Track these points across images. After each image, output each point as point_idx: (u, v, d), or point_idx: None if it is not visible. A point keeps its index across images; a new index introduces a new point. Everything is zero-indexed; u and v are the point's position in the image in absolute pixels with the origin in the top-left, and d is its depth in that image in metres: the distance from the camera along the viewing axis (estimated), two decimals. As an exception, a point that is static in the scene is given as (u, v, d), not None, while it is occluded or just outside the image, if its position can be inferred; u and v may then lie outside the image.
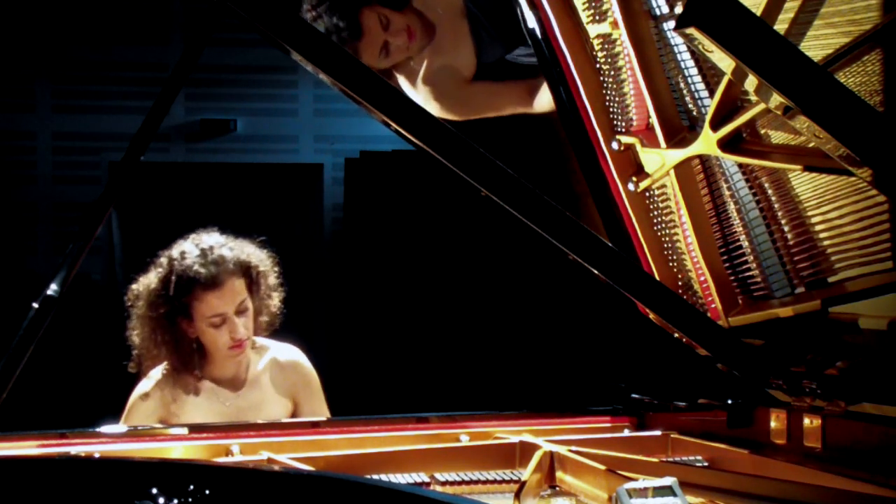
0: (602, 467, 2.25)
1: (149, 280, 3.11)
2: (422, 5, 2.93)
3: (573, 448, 2.43)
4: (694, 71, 2.37)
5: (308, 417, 3.16)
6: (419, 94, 2.96)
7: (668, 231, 2.59)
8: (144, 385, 3.14)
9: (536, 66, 2.67)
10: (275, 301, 3.19)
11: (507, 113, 2.96)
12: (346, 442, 2.62)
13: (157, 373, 3.15)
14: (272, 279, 3.18)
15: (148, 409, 3.09)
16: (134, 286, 3.13)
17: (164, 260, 3.10)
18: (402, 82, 2.98)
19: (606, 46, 2.53)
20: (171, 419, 3.09)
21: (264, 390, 3.19)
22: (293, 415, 3.19)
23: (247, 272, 3.10)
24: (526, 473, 2.31)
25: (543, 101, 2.86)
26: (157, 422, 3.06)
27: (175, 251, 3.10)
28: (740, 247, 2.46)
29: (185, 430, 2.62)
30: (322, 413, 3.22)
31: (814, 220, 2.27)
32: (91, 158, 7.43)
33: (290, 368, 3.23)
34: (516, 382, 5.84)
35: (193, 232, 3.19)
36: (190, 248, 3.09)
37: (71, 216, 7.29)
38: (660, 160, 2.48)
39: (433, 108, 2.91)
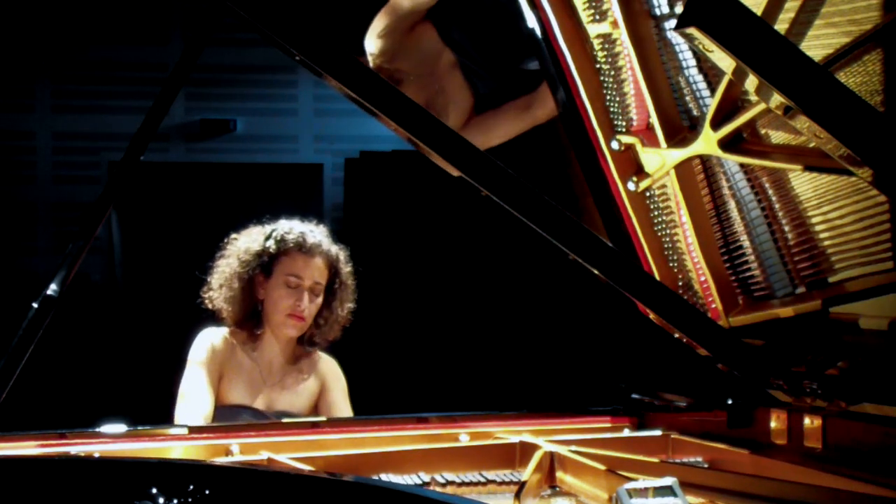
0: (602, 467, 2.25)
1: (249, 233, 3.36)
2: (414, 71, 2.95)
3: (573, 448, 2.43)
4: (694, 70, 2.37)
5: (328, 407, 3.34)
6: None
7: (668, 231, 2.58)
8: (209, 332, 3.33)
9: (534, 73, 2.69)
10: (344, 313, 3.39)
11: (509, 138, 2.96)
12: (346, 442, 2.63)
13: (219, 330, 3.35)
14: (349, 290, 3.38)
15: (213, 349, 3.27)
16: (234, 234, 3.38)
17: (267, 225, 3.36)
18: None
19: (606, 46, 2.52)
20: (224, 379, 3.26)
21: (300, 379, 3.36)
22: (317, 403, 3.37)
23: (333, 266, 3.33)
24: (526, 474, 2.31)
25: (546, 109, 2.86)
26: (215, 371, 3.24)
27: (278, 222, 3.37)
28: (741, 247, 2.46)
29: (185, 430, 2.63)
30: (343, 408, 3.38)
31: (814, 219, 2.27)
32: (91, 158, 7.43)
33: (324, 361, 3.43)
34: (516, 382, 5.83)
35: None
36: (295, 223, 3.35)
37: (71, 216, 7.29)
38: (660, 160, 2.48)
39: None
